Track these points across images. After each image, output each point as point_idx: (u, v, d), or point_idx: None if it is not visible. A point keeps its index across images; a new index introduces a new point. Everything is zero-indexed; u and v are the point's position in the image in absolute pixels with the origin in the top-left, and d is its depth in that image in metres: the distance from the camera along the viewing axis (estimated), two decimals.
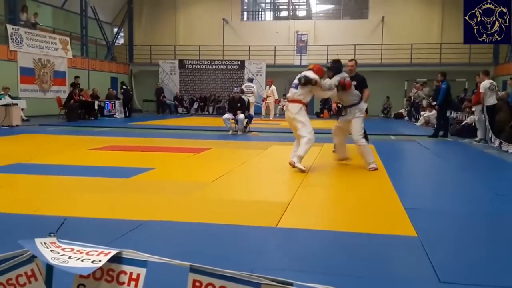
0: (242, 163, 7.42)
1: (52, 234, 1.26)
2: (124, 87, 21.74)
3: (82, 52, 23.03)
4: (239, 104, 12.68)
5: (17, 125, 13.81)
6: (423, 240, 3.41)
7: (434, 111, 14.38)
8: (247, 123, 12.94)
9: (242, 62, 25.62)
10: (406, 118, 22.07)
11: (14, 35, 17.55)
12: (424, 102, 18.89)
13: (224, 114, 13.24)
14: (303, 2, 28.85)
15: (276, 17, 28.93)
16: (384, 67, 24.15)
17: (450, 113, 14.16)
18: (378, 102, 24.23)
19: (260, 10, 30.05)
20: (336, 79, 6.86)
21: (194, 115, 24.49)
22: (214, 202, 4.66)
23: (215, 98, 25.54)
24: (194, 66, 26.22)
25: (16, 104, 14.75)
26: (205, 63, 26.04)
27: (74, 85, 18.49)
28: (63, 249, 1.21)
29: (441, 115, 12.71)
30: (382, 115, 24.57)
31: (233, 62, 25.78)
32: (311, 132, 6.68)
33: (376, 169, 6.75)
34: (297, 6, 29.27)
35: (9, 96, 15.74)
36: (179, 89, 26.12)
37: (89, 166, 6.85)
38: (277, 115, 22.31)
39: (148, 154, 8.39)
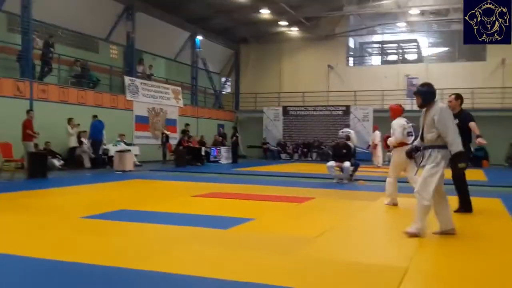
0: (349, 216, 6.83)
1: None
2: (237, 134, 22.23)
3: (192, 101, 24.10)
4: (344, 151, 12.10)
5: (129, 170, 14.47)
6: None
7: None
8: (353, 170, 12.27)
9: (348, 107, 25.08)
10: None
11: (131, 86, 18.84)
12: None
13: (328, 160, 12.71)
14: (414, 45, 27.88)
15: (384, 61, 28.23)
16: (506, 111, 22.18)
17: None
18: (501, 149, 22.04)
19: (367, 55, 29.58)
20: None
21: (297, 161, 24.21)
22: (317, 263, 4.15)
23: (319, 144, 25.14)
24: (297, 112, 26.23)
25: (130, 150, 15.56)
26: (309, 109, 25.94)
27: (184, 132, 19.25)
28: None
29: None
30: (506, 164, 22.24)
31: (338, 108, 25.36)
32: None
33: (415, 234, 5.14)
34: (406, 50, 28.37)
35: (124, 142, 16.70)
36: (282, 135, 26.17)
37: (189, 214, 6.76)
38: (386, 162, 21.20)
39: (249, 202, 8.12)
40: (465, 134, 6.79)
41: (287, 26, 25.49)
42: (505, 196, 9.10)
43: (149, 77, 20.71)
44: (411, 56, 28.23)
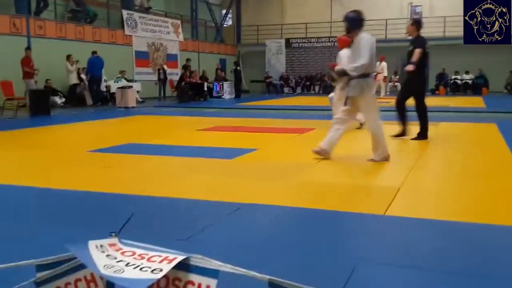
0: (348, 144, 7.03)
1: (113, 234, 1.08)
2: (238, 67, 22.09)
3: (193, 35, 23.74)
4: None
5: (132, 107, 14.60)
6: None
7: None
8: None
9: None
10: None
11: (129, 20, 18.49)
12: None
13: (331, 92, 12.78)
14: None
15: None
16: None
17: None
18: (501, 77, 22.02)
19: None
20: None
21: (300, 94, 24.24)
22: (317, 185, 4.40)
23: (321, 77, 25.04)
24: (300, 44, 25.91)
25: (131, 86, 15.60)
26: (312, 41, 25.60)
27: (185, 67, 19.16)
28: (122, 253, 1.03)
29: None
30: (505, 91, 22.32)
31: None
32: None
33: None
34: None
35: (125, 79, 16.70)
36: (285, 68, 26.01)
37: (195, 146, 6.95)
38: (388, 93, 21.31)
39: (252, 134, 8.33)
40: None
41: None
42: (501, 121, 9.29)
43: (147, 10, 20.29)
44: None
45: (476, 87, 22.34)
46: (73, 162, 5.69)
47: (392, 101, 16.88)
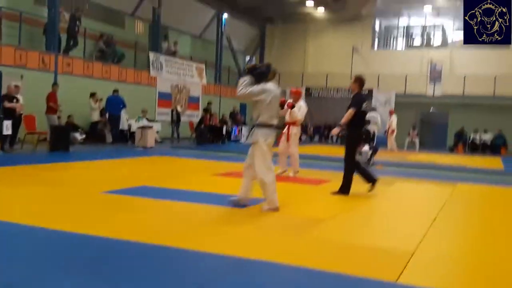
0: (363, 199, 6.95)
1: None
2: None
3: (215, 79, 24.19)
4: (363, 136, 12.15)
5: (150, 147, 14.74)
6: None
7: None
8: (371, 155, 12.35)
9: (370, 91, 24.88)
10: None
11: (155, 62, 18.99)
12: None
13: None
14: (439, 29, 27.41)
15: (409, 46, 27.86)
16: None
17: None
18: None
19: (392, 38, 29.20)
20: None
21: (317, 143, 24.25)
22: (326, 244, 4.31)
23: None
24: (320, 93, 26.18)
25: (152, 127, 15.81)
26: (332, 91, 25.87)
27: (206, 110, 19.41)
28: None
29: None
30: None
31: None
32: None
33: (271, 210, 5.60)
34: (431, 35, 27.93)
35: (147, 119, 16.95)
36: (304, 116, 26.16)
37: (209, 192, 6.93)
38: (405, 148, 21.12)
39: None
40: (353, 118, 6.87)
41: (313, 6, 25.29)
42: None
43: (174, 54, 20.83)
44: (436, 41, 27.79)
45: (494, 147, 22.25)
46: (85, 204, 5.67)
47: (409, 156, 16.78)
